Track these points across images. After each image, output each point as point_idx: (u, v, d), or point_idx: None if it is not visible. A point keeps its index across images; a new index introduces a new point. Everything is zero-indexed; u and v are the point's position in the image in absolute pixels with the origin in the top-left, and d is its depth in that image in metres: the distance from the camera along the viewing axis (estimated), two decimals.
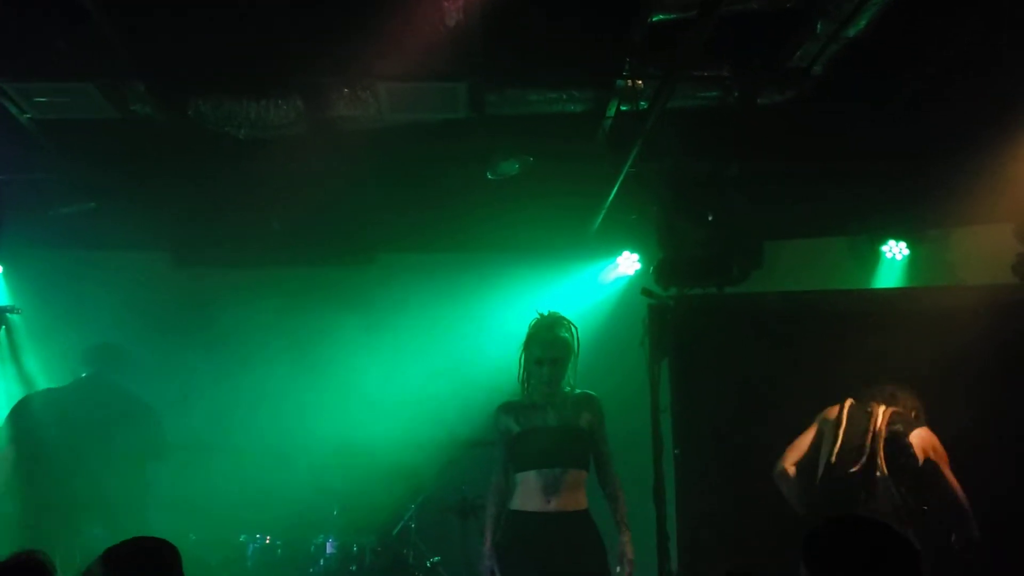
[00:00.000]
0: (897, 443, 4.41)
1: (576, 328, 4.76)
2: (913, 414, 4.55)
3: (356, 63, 4.51)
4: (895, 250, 6.31)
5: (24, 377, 6.20)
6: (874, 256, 6.40)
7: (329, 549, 5.58)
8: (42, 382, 6.11)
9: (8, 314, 6.14)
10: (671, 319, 5.02)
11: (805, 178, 5.83)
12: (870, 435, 4.43)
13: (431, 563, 5.63)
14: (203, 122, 4.89)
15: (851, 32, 4.26)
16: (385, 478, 5.84)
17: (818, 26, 4.27)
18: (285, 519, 5.70)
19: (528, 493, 4.57)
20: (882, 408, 4.51)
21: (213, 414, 5.94)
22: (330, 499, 5.76)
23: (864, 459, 4.40)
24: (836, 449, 4.49)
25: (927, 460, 4.41)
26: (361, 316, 6.38)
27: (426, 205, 6.04)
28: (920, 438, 4.45)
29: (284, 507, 5.72)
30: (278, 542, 5.63)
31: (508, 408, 4.75)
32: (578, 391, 4.75)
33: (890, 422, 4.45)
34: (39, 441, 5.21)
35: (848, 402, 4.60)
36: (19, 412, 5.36)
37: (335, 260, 6.52)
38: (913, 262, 6.31)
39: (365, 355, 6.22)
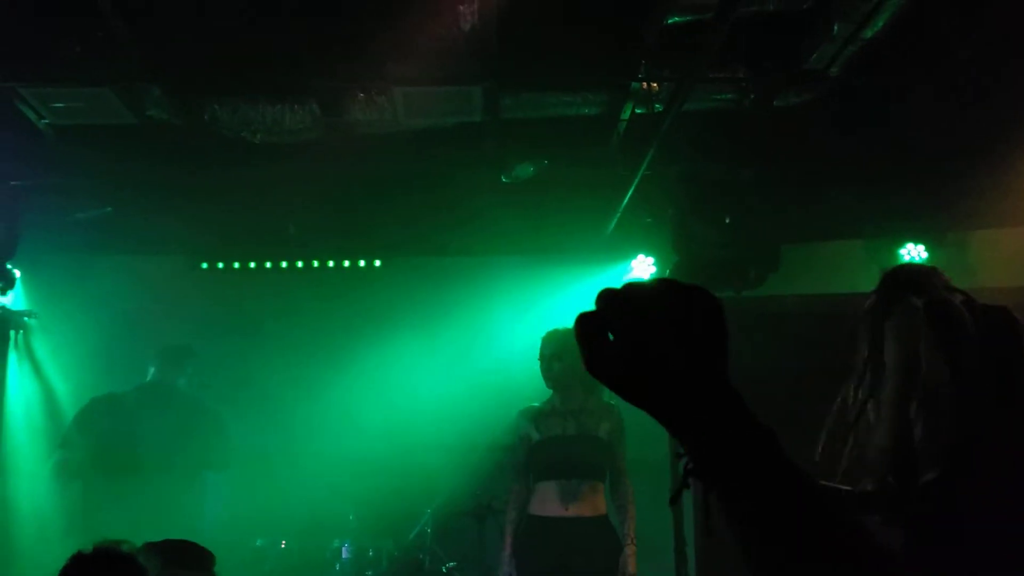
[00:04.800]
0: None
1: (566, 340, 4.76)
2: None
3: (372, 67, 4.52)
4: (914, 253, 6.25)
5: (42, 380, 6.23)
6: (892, 259, 6.32)
7: (345, 554, 5.58)
8: (59, 384, 6.14)
9: (26, 318, 6.17)
10: None
11: (822, 181, 5.79)
12: None
13: (447, 568, 5.62)
14: (219, 127, 4.90)
15: (868, 33, 4.23)
16: (401, 482, 5.83)
17: (835, 27, 4.24)
18: (301, 524, 5.70)
19: (546, 499, 4.57)
20: None
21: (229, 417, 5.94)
22: (345, 503, 5.76)
23: None
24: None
25: None
26: (374, 320, 6.38)
27: (440, 209, 6.03)
28: None
29: (299, 511, 5.73)
30: (294, 547, 5.63)
31: (529, 414, 4.75)
32: (599, 400, 4.74)
33: None
34: (103, 446, 5.20)
35: None
36: (84, 416, 5.35)
37: (349, 265, 6.54)
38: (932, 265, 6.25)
39: (379, 359, 6.22)
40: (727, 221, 5.13)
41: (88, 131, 5.12)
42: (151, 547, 1.41)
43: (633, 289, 0.97)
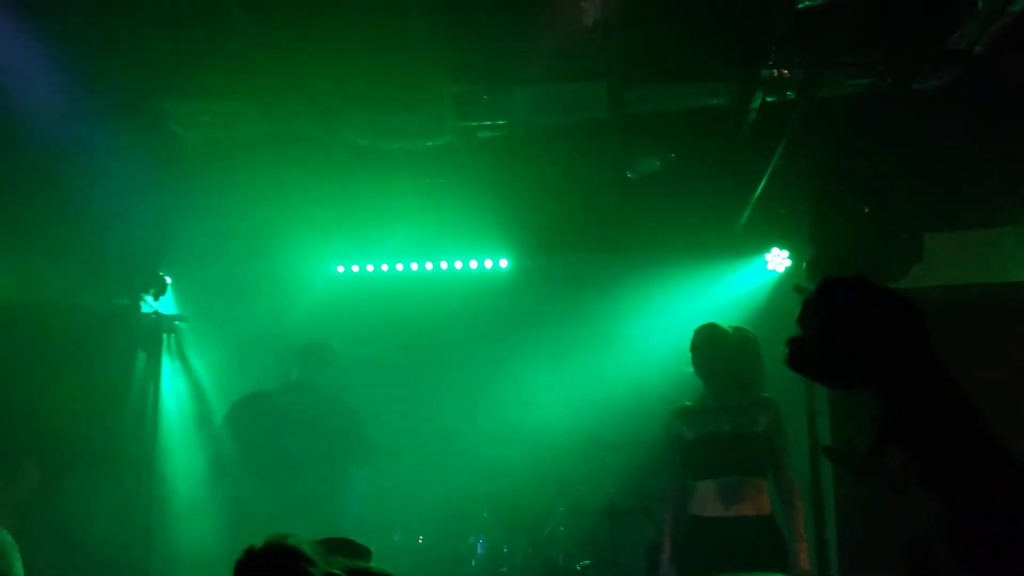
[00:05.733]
0: None
1: (751, 335, 4.66)
2: None
3: (496, 69, 4.55)
4: None
5: (193, 379, 6.55)
6: None
7: (480, 550, 5.65)
8: (208, 384, 6.44)
9: (177, 322, 6.50)
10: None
11: (967, 165, 5.50)
12: None
13: (581, 566, 5.61)
14: (353, 136, 5.06)
15: (1017, 7, 4.00)
16: (533, 481, 5.87)
17: (979, 2, 4.02)
18: (437, 520, 5.80)
19: (706, 499, 4.48)
20: None
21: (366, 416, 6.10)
22: (479, 501, 5.83)
23: None
24: None
25: None
26: (506, 321, 6.44)
27: (566, 207, 6.03)
28: None
29: (436, 508, 5.83)
30: (431, 542, 5.74)
31: (681, 413, 4.67)
32: (755, 395, 4.63)
33: None
34: (250, 442, 5.42)
35: None
36: (233, 414, 5.59)
37: (478, 266, 6.61)
38: None
39: (514, 358, 6.27)
40: (866, 211, 4.93)
41: (230, 142, 5.35)
42: (314, 541, 1.47)
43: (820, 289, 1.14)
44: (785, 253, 6.26)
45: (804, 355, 1.13)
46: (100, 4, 4.07)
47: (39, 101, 4.41)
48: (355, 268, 6.75)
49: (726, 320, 4.84)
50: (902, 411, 1.05)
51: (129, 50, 4.32)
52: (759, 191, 5.38)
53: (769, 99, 4.75)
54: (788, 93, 4.58)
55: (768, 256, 6.32)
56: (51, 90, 4.35)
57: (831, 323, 1.09)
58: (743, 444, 4.49)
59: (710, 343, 4.62)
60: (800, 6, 4.04)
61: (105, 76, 4.45)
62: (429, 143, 5.24)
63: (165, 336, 6.44)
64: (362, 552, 2.02)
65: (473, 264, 6.64)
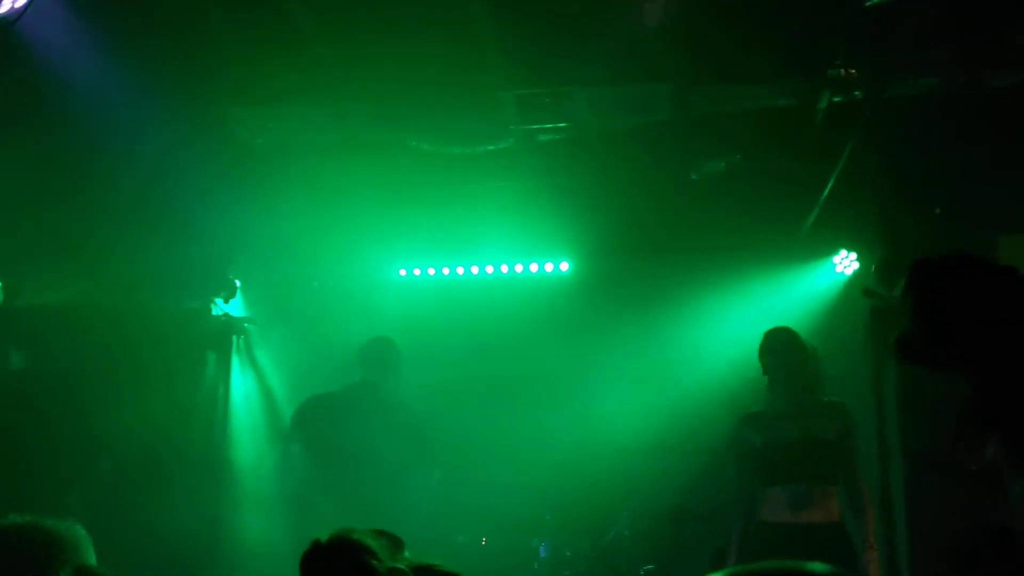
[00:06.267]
0: None
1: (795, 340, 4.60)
2: None
3: (558, 71, 4.56)
4: None
5: (261, 380, 6.68)
6: None
7: (543, 553, 5.64)
8: (276, 385, 6.56)
9: (246, 324, 6.63)
10: (898, 321, 4.73)
11: None
12: None
13: (645, 571, 5.57)
14: (416, 141, 5.11)
15: None
16: (596, 484, 5.85)
17: None
18: (500, 522, 5.82)
19: (775, 506, 4.43)
20: None
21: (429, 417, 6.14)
22: (542, 504, 5.83)
23: None
24: None
25: None
26: (569, 324, 6.43)
27: (629, 210, 6.00)
28: None
29: (498, 510, 5.84)
30: (493, 544, 5.75)
31: (750, 419, 4.62)
32: (825, 399, 4.56)
33: None
34: (316, 442, 5.50)
35: None
36: (300, 414, 5.67)
37: (538, 270, 6.62)
38: None
39: (576, 362, 6.26)
40: (937, 212, 4.82)
41: (295, 147, 5.44)
42: (375, 533, 1.49)
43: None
44: (853, 255, 6.15)
45: (914, 345, 1.14)
46: (174, 17, 4.18)
47: (115, 112, 4.55)
48: (417, 272, 6.80)
49: (793, 324, 4.77)
50: (1000, 394, 1.02)
51: (202, 59, 4.43)
52: (826, 192, 5.30)
53: (836, 99, 4.67)
54: (856, 93, 4.50)
55: (836, 259, 6.21)
56: (127, 100, 4.49)
57: (927, 302, 1.08)
58: (813, 450, 4.42)
59: (790, 347, 4.56)
60: (868, 4, 3.98)
61: (179, 85, 4.57)
62: (491, 147, 5.27)
63: (234, 338, 6.58)
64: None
65: (534, 267, 6.65)
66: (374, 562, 1.37)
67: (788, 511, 4.37)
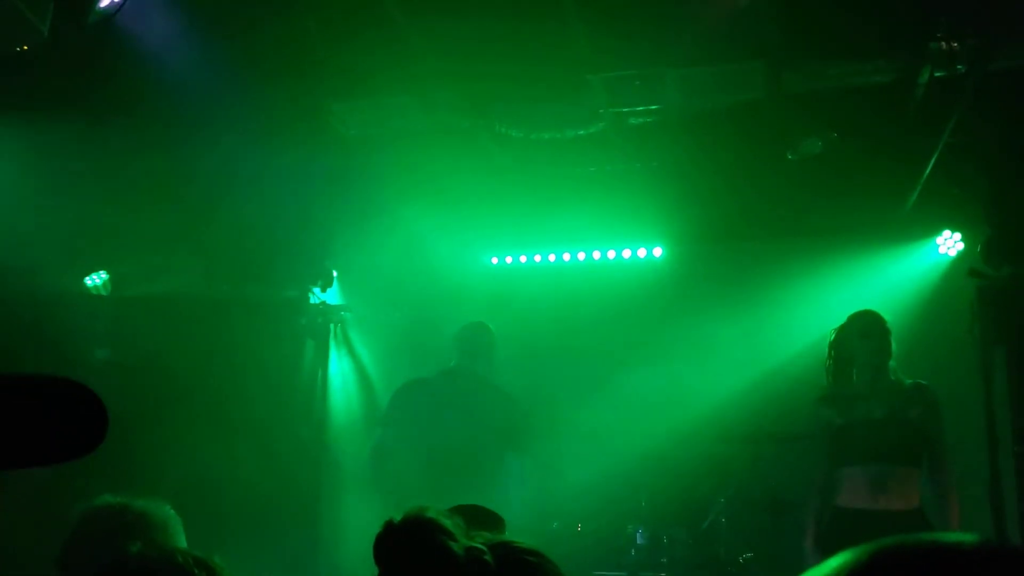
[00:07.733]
0: None
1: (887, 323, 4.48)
2: None
3: (648, 52, 4.51)
4: None
5: (358, 367, 6.82)
6: None
7: (639, 539, 5.61)
8: (373, 371, 6.69)
9: (343, 312, 6.77)
10: (1006, 301, 4.55)
11: None
12: None
13: (744, 559, 5.50)
14: (505, 127, 5.12)
15: None
16: (693, 470, 5.79)
17: None
18: (595, 508, 5.81)
19: (854, 489, 4.33)
20: None
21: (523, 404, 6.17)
22: (638, 490, 5.80)
23: None
24: None
25: None
26: (663, 308, 6.37)
27: (722, 192, 5.90)
28: None
29: (594, 496, 5.84)
30: (589, 530, 5.75)
31: (829, 399, 4.53)
32: (908, 381, 4.44)
33: None
34: (412, 428, 5.59)
35: None
36: (396, 400, 5.76)
37: (631, 255, 6.57)
38: None
39: (671, 347, 6.20)
40: None
41: (386, 138, 5.52)
42: (452, 510, 1.48)
43: None
44: (958, 236, 5.93)
45: None
46: (271, 16, 4.28)
47: (213, 106, 4.69)
48: (508, 259, 6.83)
49: (894, 308, 4.65)
50: None
51: (299, 56, 4.53)
52: (928, 171, 5.11)
53: (938, 74, 4.50)
54: (959, 67, 4.32)
55: (939, 239, 6.00)
56: (225, 93, 4.62)
57: None
58: (895, 430, 4.30)
59: (884, 331, 4.46)
60: None
61: (278, 81, 4.69)
62: (581, 131, 5.24)
63: (332, 326, 6.72)
64: (498, 521, 2.00)
65: (627, 253, 6.60)
66: (450, 542, 1.34)
67: (867, 494, 4.26)
